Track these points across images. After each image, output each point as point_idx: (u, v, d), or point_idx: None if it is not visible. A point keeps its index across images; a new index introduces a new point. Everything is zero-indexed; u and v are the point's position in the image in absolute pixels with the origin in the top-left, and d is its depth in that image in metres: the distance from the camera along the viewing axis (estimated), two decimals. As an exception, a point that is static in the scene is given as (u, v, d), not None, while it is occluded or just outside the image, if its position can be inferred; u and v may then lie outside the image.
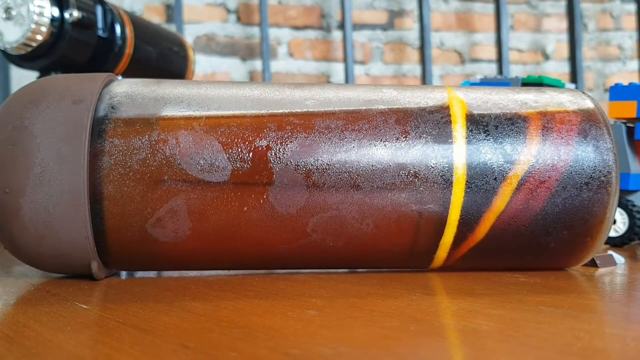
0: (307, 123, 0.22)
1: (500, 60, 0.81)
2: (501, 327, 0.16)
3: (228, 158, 0.21)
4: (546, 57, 0.94)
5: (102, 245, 0.22)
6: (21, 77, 0.71)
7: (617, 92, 0.33)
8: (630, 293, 0.22)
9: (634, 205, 0.33)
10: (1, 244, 0.23)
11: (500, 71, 0.81)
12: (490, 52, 0.91)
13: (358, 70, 0.87)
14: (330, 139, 0.22)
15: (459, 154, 0.22)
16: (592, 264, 0.26)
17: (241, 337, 0.15)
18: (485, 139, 0.23)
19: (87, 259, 0.22)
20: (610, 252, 0.28)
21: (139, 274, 0.25)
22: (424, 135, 0.22)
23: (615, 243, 0.33)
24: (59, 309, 0.18)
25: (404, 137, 0.22)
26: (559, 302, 0.19)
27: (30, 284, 0.23)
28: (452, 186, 0.22)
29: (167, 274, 0.25)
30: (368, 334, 0.16)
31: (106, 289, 0.22)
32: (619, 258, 0.27)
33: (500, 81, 0.38)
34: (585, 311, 0.18)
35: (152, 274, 0.25)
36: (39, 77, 0.36)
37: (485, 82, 0.38)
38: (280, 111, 0.22)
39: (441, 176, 0.22)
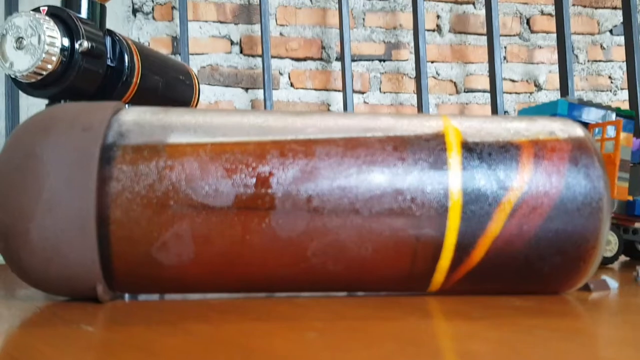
0: (308, 150, 0.23)
1: (493, 90, 0.82)
2: (497, 349, 0.17)
3: (232, 184, 0.22)
4: (538, 87, 0.96)
5: (108, 268, 0.22)
6: (29, 106, 0.72)
7: None
8: (624, 317, 0.22)
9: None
10: (8, 267, 0.23)
11: (494, 100, 0.82)
12: (484, 82, 0.93)
13: (357, 99, 0.89)
14: (330, 165, 0.23)
15: (454, 180, 0.23)
16: (586, 288, 0.27)
17: (243, 358, 0.16)
18: (479, 166, 0.23)
19: (93, 282, 0.22)
20: (604, 277, 0.28)
21: (143, 296, 0.25)
22: (421, 162, 0.23)
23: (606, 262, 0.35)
24: (65, 331, 0.19)
25: (401, 164, 0.23)
26: (553, 325, 0.20)
27: (36, 307, 0.23)
28: (448, 211, 0.23)
29: (170, 296, 0.25)
30: (367, 356, 0.16)
31: (111, 312, 0.22)
32: (612, 283, 0.28)
33: (598, 106, 0.36)
34: (579, 334, 0.19)
35: (156, 296, 0.25)
36: (47, 105, 0.37)
37: (582, 105, 0.36)
38: (282, 138, 0.23)
39: (437, 202, 0.23)
